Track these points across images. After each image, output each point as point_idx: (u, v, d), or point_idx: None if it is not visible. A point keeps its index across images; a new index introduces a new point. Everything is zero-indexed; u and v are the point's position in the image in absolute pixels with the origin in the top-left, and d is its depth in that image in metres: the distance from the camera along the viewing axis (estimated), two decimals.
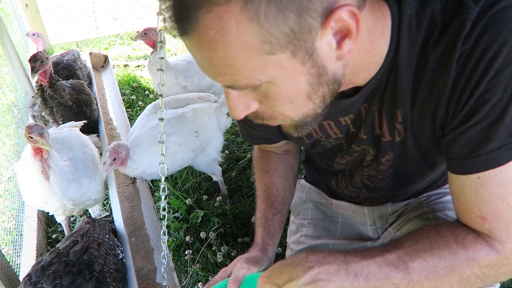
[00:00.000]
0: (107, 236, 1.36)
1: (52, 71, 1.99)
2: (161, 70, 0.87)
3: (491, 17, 0.58)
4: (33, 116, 2.13)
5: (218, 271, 0.89)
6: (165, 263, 1.06)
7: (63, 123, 2.00)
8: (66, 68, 2.62)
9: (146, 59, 3.79)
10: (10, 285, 1.42)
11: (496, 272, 0.67)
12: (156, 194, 2.02)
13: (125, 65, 3.59)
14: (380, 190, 0.95)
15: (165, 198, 1.02)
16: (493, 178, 0.64)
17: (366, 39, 0.62)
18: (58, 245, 1.30)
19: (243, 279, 0.84)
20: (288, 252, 1.17)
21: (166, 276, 1.07)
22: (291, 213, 1.25)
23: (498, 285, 0.86)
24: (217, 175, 2.04)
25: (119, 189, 1.96)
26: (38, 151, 1.40)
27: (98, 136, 2.30)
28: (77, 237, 1.30)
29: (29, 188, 1.52)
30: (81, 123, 1.92)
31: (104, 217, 1.62)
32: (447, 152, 0.69)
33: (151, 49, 2.30)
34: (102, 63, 3.33)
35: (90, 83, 2.82)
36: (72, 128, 1.81)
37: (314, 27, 0.51)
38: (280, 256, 1.65)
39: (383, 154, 0.82)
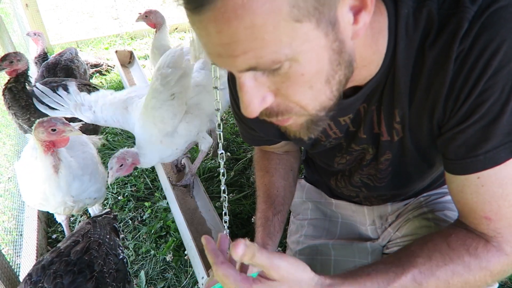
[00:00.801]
0: (108, 236, 1.36)
1: (26, 72, 2.01)
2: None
3: (488, 17, 0.58)
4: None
5: None
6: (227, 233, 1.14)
7: (14, 116, 2.05)
8: (64, 69, 2.61)
9: (146, 59, 3.79)
10: (10, 285, 1.43)
11: (503, 275, 0.68)
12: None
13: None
14: (379, 189, 0.95)
15: (223, 175, 1.06)
16: (493, 177, 0.64)
17: (369, 31, 0.62)
18: (59, 244, 1.31)
19: None
20: (288, 252, 1.17)
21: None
22: (291, 213, 1.25)
23: (497, 284, 0.86)
24: (206, 140, 1.99)
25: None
26: (50, 146, 1.41)
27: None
28: (78, 237, 1.30)
29: (30, 187, 1.53)
30: (78, 124, 1.93)
31: (105, 213, 1.63)
32: (444, 152, 0.69)
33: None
34: (128, 59, 3.43)
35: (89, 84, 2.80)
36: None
37: None
38: None
39: (382, 153, 0.83)
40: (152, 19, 2.47)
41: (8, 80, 1.99)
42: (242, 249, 0.56)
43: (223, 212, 1.15)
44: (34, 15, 3.53)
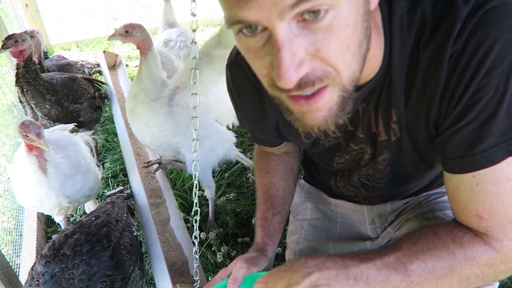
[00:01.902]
0: (125, 215, 1.45)
1: (33, 56, 2.00)
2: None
3: (481, 16, 0.58)
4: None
5: (218, 271, 0.89)
6: (197, 257, 1.07)
7: (35, 106, 2.05)
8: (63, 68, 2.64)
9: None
10: (10, 285, 1.43)
11: (495, 271, 0.68)
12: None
13: (126, 65, 3.59)
14: (378, 189, 0.95)
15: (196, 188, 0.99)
16: (488, 176, 0.64)
17: (371, 22, 0.61)
18: (82, 218, 1.40)
19: (243, 279, 0.85)
20: (288, 252, 1.17)
21: (197, 271, 1.09)
22: (291, 213, 1.25)
23: (497, 284, 0.86)
24: (210, 189, 1.89)
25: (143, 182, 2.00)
26: (31, 147, 1.42)
27: (81, 126, 2.29)
28: (99, 213, 1.38)
29: (24, 188, 1.54)
30: (70, 126, 1.93)
31: (118, 191, 1.69)
32: (442, 152, 0.70)
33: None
34: (114, 61, 3.39)
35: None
36: (62, 131, 1.84)
37: None
38: (280, 256, 1.65)
39: (380, 153, 0.83)
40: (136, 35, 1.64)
41: (18, 72, 1.97)
42: None
43: (195, 228, 1.03)
44: (34, 15, 3.53)
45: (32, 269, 1.19)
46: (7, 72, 2.71)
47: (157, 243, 1.61)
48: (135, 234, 1.41)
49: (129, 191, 1.72)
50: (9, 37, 1.90)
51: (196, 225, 1.01)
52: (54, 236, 1.74)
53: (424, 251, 0.68)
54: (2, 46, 1.88)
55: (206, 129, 1.71)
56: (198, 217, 1.00)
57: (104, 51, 3.32)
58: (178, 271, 1.52)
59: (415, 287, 0.68)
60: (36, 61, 2.32)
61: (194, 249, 1.04)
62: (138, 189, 1.93)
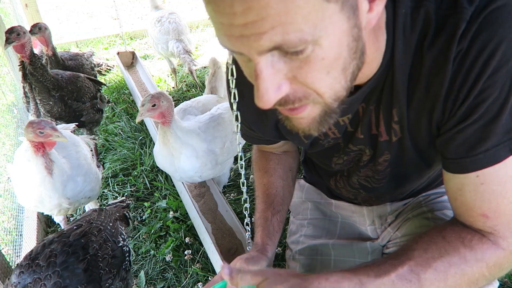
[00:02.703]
0: (111, 224, 1.40)
1: (33, 46, 2.01)
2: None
3: (485, 17, 0.58)
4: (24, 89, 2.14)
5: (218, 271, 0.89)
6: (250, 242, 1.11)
7: (40, 102, 2.05)
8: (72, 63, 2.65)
9: (146, 59, 3.79)
10: None
11: (501, 270, 0.68)
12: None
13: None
14: (377, 190, 0.95)
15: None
16: (492, 175, 0.64)
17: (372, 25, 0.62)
18: (64, 227, 1.33)
19: None
20: (288, 252, 1.17)
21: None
22: (291, 213, 1.25)
23: (497, 283, 0.86)
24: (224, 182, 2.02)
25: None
26: (39, 147, 1.41)
27: (82, 126, 2.29)
28: (82, 222, 1.35)
29: (25, 189, 1.53)
30: (72, 125, 1.93)
31: (119, 201, 1.66)
32: (443, 152, 0.69)
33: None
34: (131, 60, 3.43)
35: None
36: (64, 130, 1.82)
37: None
38: (280, 256, 1.65)
39: (380, 154, 0.83)
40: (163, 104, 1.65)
41: (24, 69, 1.97)
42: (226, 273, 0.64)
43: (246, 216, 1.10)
44: (34, 15, 3.52)
45: (7, 279, 1.18)
46: (7, 72, 2.71)
47: (208, 238, 1.64)
48: (120, 244, 1.35)
49: (129, 202, 1.70)
50: (10, 31, 1.87)
51: (246, 213, 1.05)
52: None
53: (436, 258, 0.67)
54: (6, 40, 1.86)
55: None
56: (248, 205, 1.04)
57: (118, 53, 3.36)
58: (235, 255, 1.54)
59: None
60: (50, 53, 2.38)
61: (247, 235, 1.11)
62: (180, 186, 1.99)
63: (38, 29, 2.24)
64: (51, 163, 1.45)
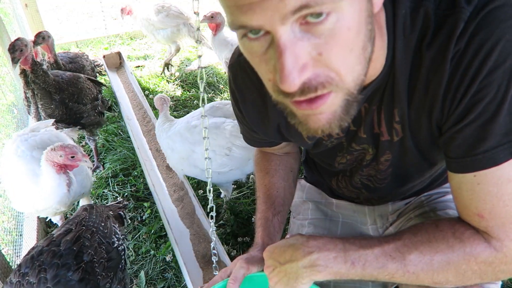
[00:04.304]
0: (103, 224, 1.36)
1: (35, 56, 2.03)
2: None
3: (483, 17, 0.58)
4: (25, 94, 2.15)
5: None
6: (215, 252, 1.15)
7: (41, 107, 2.08)
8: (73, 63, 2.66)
9: (145, 59, 3.79)
10: None
11: (494, 270, 0.68)
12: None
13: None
14: (380, 190, 0.95)
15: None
16: (489, 177, 0.64)
17: (375, 22, 0.61)
18: (54, 231, 1.31)
19: (243, 279, 0.85)
20: None
21: (217, 266, 1.18)
22: (291, 213, 1.25)
23: (500, 283, 0.86)
24: (228, 192, 1.99)
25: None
26: (62, 167, 1.49)
27: (83, 128, 2.30)
28: (72, 225, 1.30)
29: (24, 196, 1.54)
30: (50, 121, 1.93)
31: (116, 203, 1.66)
32: (445, 151, 0.70)
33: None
34: (118, 61, 3.40)
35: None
36: (48, 128, 1.83)
37: None
38: None
39: (382, 154, 0.83)
40: (218, 19, 2.63)
41: (26, 77, 1.99)
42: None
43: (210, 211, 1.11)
44: (34, 15, 3.52)
45: (8, 279, 1.14)
46: (7, 72, 2.70)
47: (188, 243, 1.69)
48: (115, 245, 1.32)
49: (126, 203, 1.70)
50: (13, 49, 1.88)
51: (212, 222, 1.08)
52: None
53: (423, 242, 0.69)
54: (13, 60, 1.89)
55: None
56: (214, 213, 1.07)
57: (104, 56, 3.31)
58: (210, 262, 1.62)
59: (411, 277, 0.69)
60: (52, 60, 2.41)
61: (212, 244, 1.13)
62: (159, 185, 2.05)
63: (42, 39, 2.28)
64: (70, 181, 1.52)
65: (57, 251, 1.17)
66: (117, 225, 1.44)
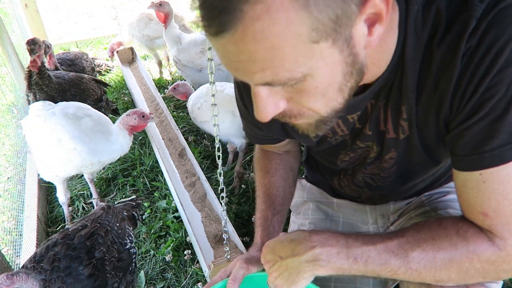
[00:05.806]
0: (117, 224, 1.37)
1: (43, 59, 2.06)
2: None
3: (495, 15, 0.58)
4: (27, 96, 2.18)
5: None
6: (226, 230, 1.24)
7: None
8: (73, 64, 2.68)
9: (145, 59, 3.79)
10: None
11: (497, 268, 0.67)
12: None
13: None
14: (382, 188, 0.95)
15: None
16: (494, 175, 0.64)
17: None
18: (69, 225, 1.34)
19: (243, 279, 0.85)
20: None
21: (227, 242, 1.28)
22: (292, 213, 1.25)
23: (501, 282, 0.86)
24: (242, 145, 2.13)
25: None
26: (132, 129, 1.81)
27: None
28: (88, 221, 1.32)
29: (73, 160, 1.70)
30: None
31: (129, 200, 1.67)
32: (452, 149, 0.70)
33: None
34: (130, 56, 3.45)
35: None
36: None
37: (354, 12, 0.51)
38: None
39: (387, 151, 0.83)
40: (166, 8, 2.56)
41: (30, 78, 2.01)
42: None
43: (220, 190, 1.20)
44: (34, 15, 3.52)
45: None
46: (7, 72, 2.70)
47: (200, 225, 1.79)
48: (127, 247, 1.33)
49: (140, 201, 1.71)
50: (33, 42, 1.95)
51: (223, 202, 1.14)
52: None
53: (427, 239, 0.69)
54: (32, 51, 1.95)
55: None
56: (224, 194, 1.12)
57: (117, 52, 3.38)
58: (221, 241, 1.71)
59: (413, 274, 0.69)
60: (53, 67, 2.44)
61: (223, 223, 1.19)
62: (172, 172, 2.16)
63: (47, 47, 2.34)
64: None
65: (71, 244, 1.21)
66: (131, 228, 1.45)
